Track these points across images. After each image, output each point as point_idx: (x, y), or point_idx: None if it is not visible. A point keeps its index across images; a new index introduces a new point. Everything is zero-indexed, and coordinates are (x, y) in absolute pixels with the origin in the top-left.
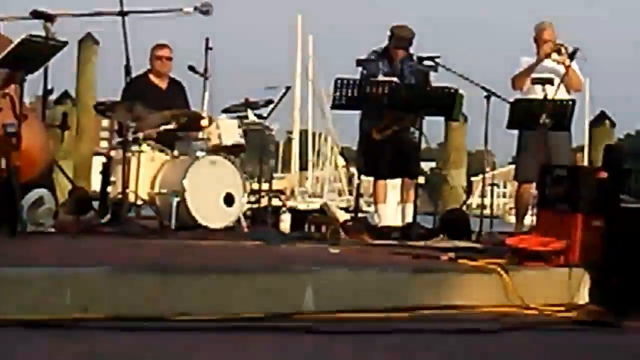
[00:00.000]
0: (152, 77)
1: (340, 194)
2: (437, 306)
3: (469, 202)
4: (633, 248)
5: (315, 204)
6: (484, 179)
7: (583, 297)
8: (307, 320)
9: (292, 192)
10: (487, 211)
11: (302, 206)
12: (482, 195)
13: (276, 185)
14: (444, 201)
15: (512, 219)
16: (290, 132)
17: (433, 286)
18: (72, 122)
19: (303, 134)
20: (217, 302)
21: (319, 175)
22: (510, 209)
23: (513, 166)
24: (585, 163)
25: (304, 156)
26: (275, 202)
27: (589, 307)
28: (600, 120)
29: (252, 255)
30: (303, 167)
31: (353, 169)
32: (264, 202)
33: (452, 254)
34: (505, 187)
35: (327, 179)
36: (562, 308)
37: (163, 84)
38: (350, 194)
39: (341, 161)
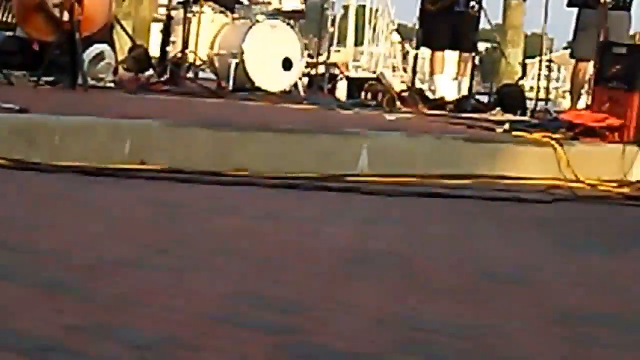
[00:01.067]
0: None
1: (394, 70)
2: (492, 175)
3: (522, 82)
4: None
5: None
6: (540, 61)
7: (636, 175)
8: (361, 182)
9: (347, 66)
10: (541, 94)
11: (358, 75)
12: (538, 78)
13: (332, 58)
14: (500, 78)
15: (565, 102)
16: (347, 7)
17: (487, 156)
18: None
19: (359, 9)
20: (272, 161)
21: (374, 50)
22: (564, 92)
23: (569, 50)
24: None
25: (359, 31)
26: (332, 70)
27: None
28: None
29: (309, 117)
30: (359, 42)
31: (408, 46)
32: (321, 70)
33: (506, 126)
34: (559, 71)
35: (382, 55)
36: (614, 184)
37: None
38: (405, 71)
39: (397, 37)
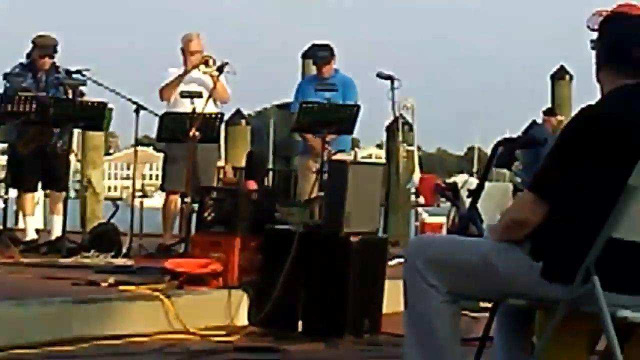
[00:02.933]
0: None
1: None
2: (102, 336)
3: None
4: (285, 268)
5: None
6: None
7: (242, 319)
8: None
9: None
10: (113, 193)
11: None
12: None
13: None
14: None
15: (137, 202)
16: None
17: (97, 316)
18: None
19: None
20: None
21: None
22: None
23: (132, 149)
24: None
25: None
26: None
27: (249, 329)
28: None
29: None
30: None
31: None
32: None
33: (112, 279)
34: (128, 168)
35: None
36: (222, 332)
37: None
38: None
39: None
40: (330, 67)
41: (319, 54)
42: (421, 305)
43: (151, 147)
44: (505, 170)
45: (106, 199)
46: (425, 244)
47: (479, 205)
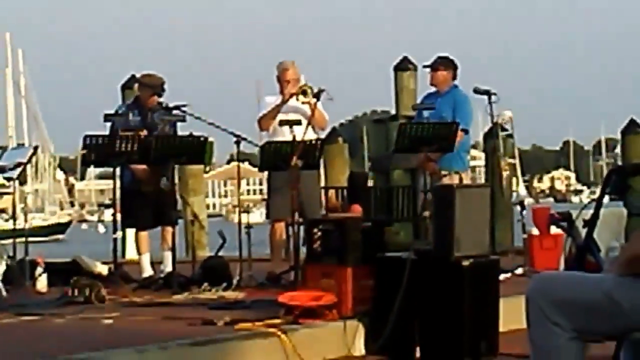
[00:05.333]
0: None
1: (62, 207)
2: None
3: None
4: (399, 295)
5: (39, 222)
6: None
7: (360, 349)
8: None
9: (14, 209)
10: (212, 210)
11: (54, 260)
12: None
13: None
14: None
15: (234, 217)
16: (5, 148)
17: (216, 357)
18: None
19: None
20: None
21: (39, 188)
22: (234, 207)
23: (230, 165)
24: None
25: (22, 171)
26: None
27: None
28: None
29: (27, 337)
30: (21, 181)
31: (73, 180)
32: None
33: (227, 317)
34: (225, 185)
35: (47, 191)
36: None
37: None
38: (73, 205)
39: (61, 174)
40: (442, 80)
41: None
42: (547, 344)
43: (247, 163)
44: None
45: (207, 215)
46: (548, 283)
47: (595, 234)
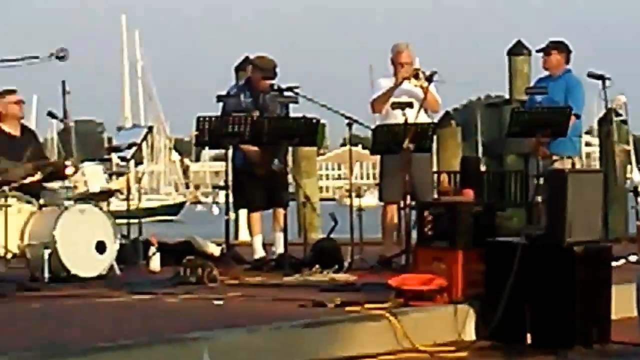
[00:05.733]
0: (3, 125)
1: (177, 188)
2: (331, 359)
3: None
4: (510, 280)
5: (154, 202)
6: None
7: (469, 334)
8: None
9: (129, 189)
10: (325, 194)
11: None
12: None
13: (113, 185)
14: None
15: (347, 200)
16: (121, 128)
17: (327, 339)
18: None
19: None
20: None
21: (154, 169)
22: (346, 190)
23: (343, 149)
24: None
25: (137, 151)
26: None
27: (478, 344)
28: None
29: (137, 315)
30: (137, 162)
31: (187, 161)
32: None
33: (338, 300)
34: (339, 168)
35: (162, 172)
36: (452, 347)
37: (16, 131)
38: (187, 187)
39: (177, 156)
40: (554, 64)
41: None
42: None
43: (360, 146)
44: None
45: (320, 199)
46: None
47: None
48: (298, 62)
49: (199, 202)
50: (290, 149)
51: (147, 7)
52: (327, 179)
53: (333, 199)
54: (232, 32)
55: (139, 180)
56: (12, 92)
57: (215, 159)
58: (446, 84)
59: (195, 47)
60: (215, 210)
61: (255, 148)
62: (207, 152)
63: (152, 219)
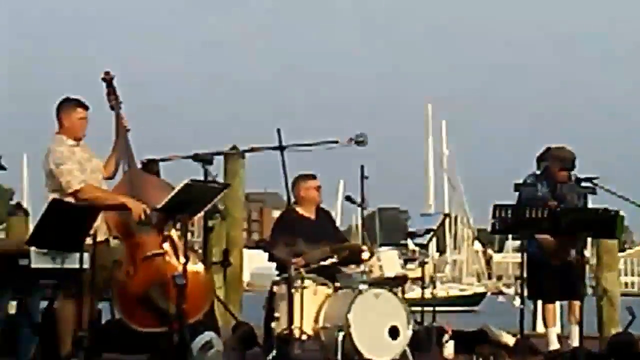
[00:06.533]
0: (300, 209)
1: (479, 278)
2: None
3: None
4: None
5: (453, 291)
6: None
7: None
8: None
9: (432, 278)
10: (629, 289)
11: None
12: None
13: (413, 273)
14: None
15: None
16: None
17: None
18: (221, 236)
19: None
20: None
21: (457, 258)
22: None
23: None
24: None
25: (440, 240)
26: (438, 321)
27: None
28: None
29: None
30: (440, 250)
31: (490, 252)
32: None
33: None
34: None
35: (464, 262)
36: None
37: (312, 215)
38: (490, 277)
39: (479, 246)
40: None
41: None
42: None
43: None
44: None
45: (621, 294)
46: None
47: None
48: (588, 153)
49: (501, 293)
50: (590, 241)
51: (452, 94)
52: (632, 274)
53: (637, 295)
54: (536, 119)
55: (440, 269)
56: (312, 177)
57: (519, 249)
58: None
59: (498, 133)
60: (517, 302)
61: (551, 238)
62: (510, 243)
63: (453, 307)
